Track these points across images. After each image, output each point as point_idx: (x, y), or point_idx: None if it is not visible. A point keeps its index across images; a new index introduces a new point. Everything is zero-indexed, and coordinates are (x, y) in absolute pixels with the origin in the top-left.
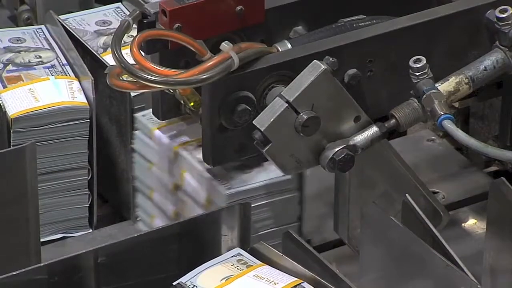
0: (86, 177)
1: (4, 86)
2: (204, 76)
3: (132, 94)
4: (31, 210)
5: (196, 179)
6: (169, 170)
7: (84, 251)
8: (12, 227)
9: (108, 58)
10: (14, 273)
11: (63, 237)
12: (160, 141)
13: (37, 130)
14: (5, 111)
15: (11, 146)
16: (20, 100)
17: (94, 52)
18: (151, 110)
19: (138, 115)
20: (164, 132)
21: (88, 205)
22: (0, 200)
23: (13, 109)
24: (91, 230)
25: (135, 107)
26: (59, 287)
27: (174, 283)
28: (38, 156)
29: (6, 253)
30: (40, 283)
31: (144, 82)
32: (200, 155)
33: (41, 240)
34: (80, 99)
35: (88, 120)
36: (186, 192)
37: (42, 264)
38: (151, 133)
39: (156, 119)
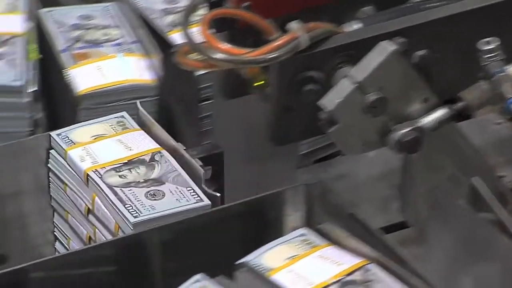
0: None
1: (73, 63)
2: (272, 56)
3: (198, 72)
4: None
5: (105, 204)
6: (82, 193)
7: (149, 228)
8: None
9: (175, 37)
10: (82, 248)
11: None
12: (72, 162)
13: (104, 107)
14: (73, 88)
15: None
16: (88, 77)
17: (161, 31)
18: (67, 128)
19: (53, 133)
20: (77, 154)
21: None
22: None
23: (81, 86)
24: None
25: (201, 86)
26: (125, 263)
27: (237, 262)
28: None
29: None
30: (107, 258)
31: (212, 60)
32: (110, 179)
33: None
34: (147, 76)
35: (155, 98)
36: (97, 217)
37: (109, 240)
38: (65, 154)
39: (71, 138)
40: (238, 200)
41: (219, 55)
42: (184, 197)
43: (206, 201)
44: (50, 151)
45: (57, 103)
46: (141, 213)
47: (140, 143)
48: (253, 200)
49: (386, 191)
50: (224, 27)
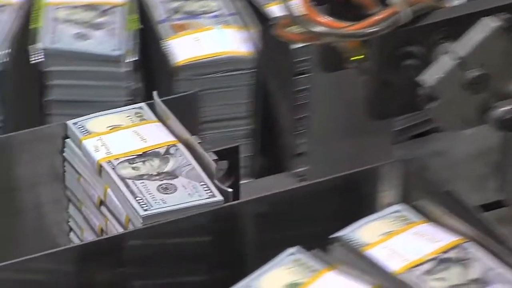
0: (248, 126)
1: (172, 34)
2: (372, 30)
3: (295, 46)
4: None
5: (116, 196)
6: (95, 184)
7: (245, 199)
8: None
9: (273, 9)
10: (178, 218)
11: None
12: (86, 152)
13: (201, 79)
14: (171, 59)
15: (174, 94)
16: (185, 48)
17: (258, 3)
18: (84, 117)
19: (70, 122)
20: (92, 143)
21: (249, 154)
22: None
23: (179, 57)
24: (251, 180)
25: (298, 59)
26: (219, 234)
27: (331, 236)
28: (200, 104)
29: None
30: (202, 228)
31: (312, 33)
32: (123, 171)
33: None
34: (244, 49)
35: (252, 71)
36: (109, 209)
37: (204, 211)
38: (79, 143)
39: (88, 128)
40: (333, 174)
41: (319, 28)
42: (197, 192)
43: (219, 197)
44: (66, 140)
45: (155, 74)
46: (152, 207)
47: (156, 135)
48: (348, 175)
49: (483, 169)
50: (325, 0)
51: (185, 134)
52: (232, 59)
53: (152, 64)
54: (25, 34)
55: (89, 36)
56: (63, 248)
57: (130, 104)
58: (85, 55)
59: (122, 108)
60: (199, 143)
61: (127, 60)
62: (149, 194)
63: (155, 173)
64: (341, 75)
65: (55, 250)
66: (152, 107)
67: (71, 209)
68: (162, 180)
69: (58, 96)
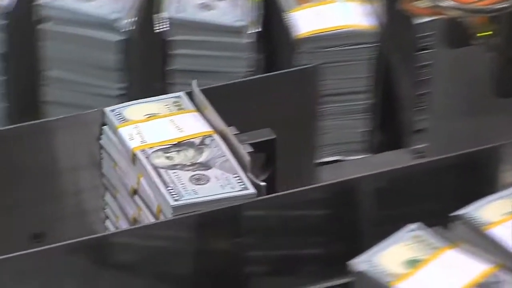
0: (368, 101)
1: (295, 6)
2: (502, 5)
3: (419, 20)
4: (310, 132)
5: (149, 185)
6: (129, 172)
7: (365, 174)
8: (296, 148)
9: None
10: (296, 190)
11: (340, 159)
12: (122, 140)
13: (322, 52)
14: (293, 31)
15: (294, 67)
16: (308, 21)
17: None
18: (122, 104)
19: (107, 109)
20: (127, 131)
21: (367, 129)
22: (284, 118)
23: (301, 29)
24: (369, 155)
25: (422, 34)
26: (337, 208)
27: (452, 214)
28: (321, 77)
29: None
30: (320, 202)
31: (440, 8)
32: (157, 160)
33: (318, 161)
34: (367, 22)
35: (374, 45)
36: (142, 198)
37: (323, 184)
38: (115, 130)
39: (125, 115)
40: (453, 152)
41: (447, 3)
42: (229, 183)
43: (252, 190)
44: (103, 127)
45: (276, 46)
46: (183, 197)
47: (193, 125)
48: (469, 153)
49: None
50: None
51: (222, 125)
52: (354, 33)
53: (273, 35)
54: (150, 3)
55: (213, 6)
56: (183, 215)
57: (250, 76)
58: (209, 25)
59: (161, 96)
60: (235, 134)
61: (250, 31)
62: (181, 184)
63: (188, 163)
64: (466, 51)
65: (174, 217)
66: (191, 96)
67: (107, 197)
68: (195, 171)
69: (181, 66)
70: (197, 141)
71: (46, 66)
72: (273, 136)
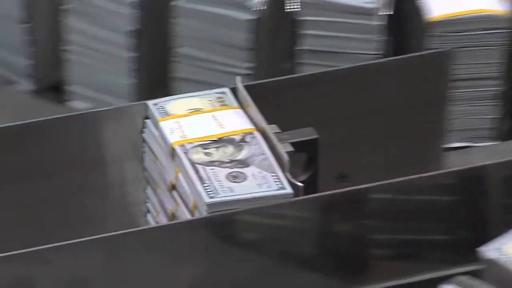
0: (499, 88)
1: None
2: None
3: None
4: (439, 117)
5: (186, 181)
6: (168, 167)
7: (494, 162)
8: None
9: None
10: (419, 176)
11: (468, 145)
12: (162, 134)
13: (454, 36)
14: (425, 14)
15: (425, 50)
16: (440, 4)
17: None
18: (166, 98)
19: (150, 102)
20: (168, 126)
21: (497, 116)
22: (411, 102)
23: (433, 13)
24: (497, 142)
25: None
26: (465, 194)
27: None
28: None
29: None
30: (448, 188)
31: None
32: (195, 156)
33: (446, 146)
34: (502, 8)
35: (508, 31)
36: (179, 193)
37: (449, 170)
38: (157, 124)
39: (167, 109)
40: None
41: None
42: (266, 182)
43: (289, 190)
44: (145, 120)
45: (406, 28)
46: (218, 194)
47: (235, 121)
48: None
49: None
50: None
51: (263, 123)
52: (488, 17)
53: (404, 18)
54: None
55: None
56: (308, 196)
57: (380, 58)
58: (340, 6)
59: (205, 91)
60: (276, 133)
61: (381, 13)
62: (218, 181)
63: (227, 160)
64: None
65: (299, 198)
66: (235, 92)
67: (149, 191)
68: (232, 168)
69: (310, 46)
70: (237, 138)
71: (177, 43)
72: (315, 136)
